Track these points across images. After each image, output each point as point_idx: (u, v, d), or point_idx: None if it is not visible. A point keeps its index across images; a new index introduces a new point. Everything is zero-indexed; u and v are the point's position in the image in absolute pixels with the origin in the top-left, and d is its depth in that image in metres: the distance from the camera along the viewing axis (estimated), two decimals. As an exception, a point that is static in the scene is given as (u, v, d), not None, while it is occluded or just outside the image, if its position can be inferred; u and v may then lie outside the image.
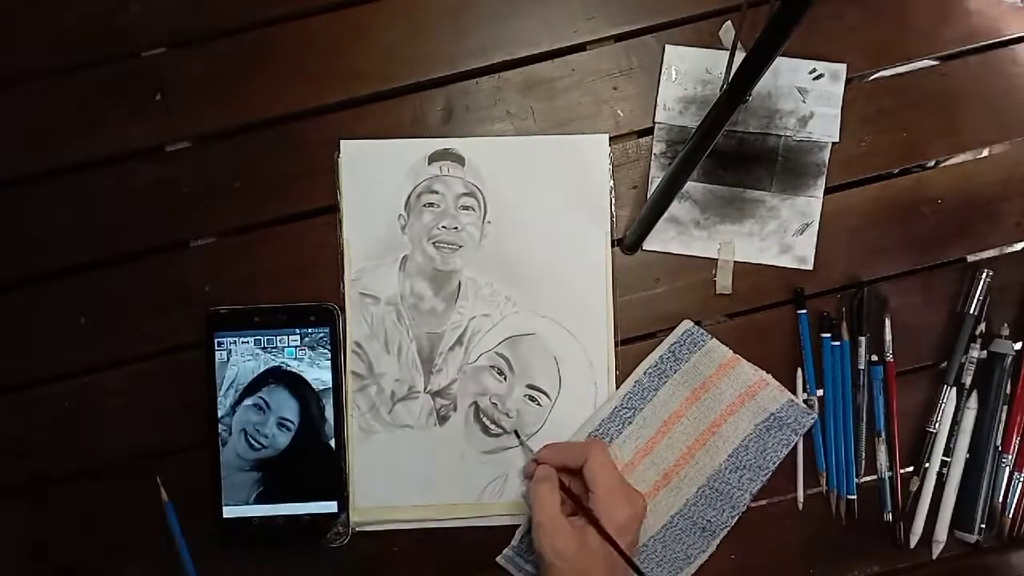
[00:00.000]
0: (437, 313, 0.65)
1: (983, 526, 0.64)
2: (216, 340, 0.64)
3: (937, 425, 0.65)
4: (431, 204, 0.66)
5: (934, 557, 0.65)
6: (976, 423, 0.65)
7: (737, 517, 0.64)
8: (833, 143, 0.66)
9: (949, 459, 0.65)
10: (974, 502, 0.64)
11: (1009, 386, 0.65)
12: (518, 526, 0.65)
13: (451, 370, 0.65)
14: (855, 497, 0.65)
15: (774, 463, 0.64)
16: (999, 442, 0.64)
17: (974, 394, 0.65)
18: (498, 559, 0.64)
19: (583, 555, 0.57)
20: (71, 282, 0.65)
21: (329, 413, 0.64)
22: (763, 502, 0.65)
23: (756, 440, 0.64)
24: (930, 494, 0.65)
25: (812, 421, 0.64)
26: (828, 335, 0.65)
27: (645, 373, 0.65)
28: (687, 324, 0.65)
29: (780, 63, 0.66)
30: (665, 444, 0.65)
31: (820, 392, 0.65)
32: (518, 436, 0.65)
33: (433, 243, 0.66)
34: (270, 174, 0.66)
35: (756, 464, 0.64)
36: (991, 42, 0.67)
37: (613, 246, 0.66)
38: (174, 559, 0.64)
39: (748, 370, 0.64)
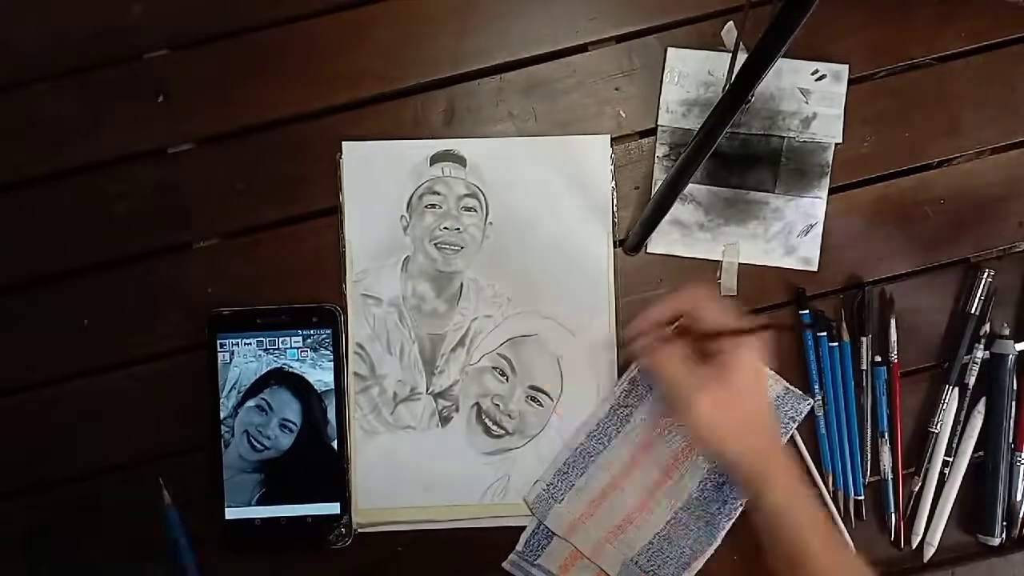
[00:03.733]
0: (439, 314, 0.65)
1: (1005, 524, 0.64)
2: (219, 341, 0.64)
3: (939, 426, 0.65)
4: (433, 205, 0.66)
5: (925, 560, 0.65)
6: (985, 424, 0.65)
7: (740, 508, 0.64)
8: (836, 144, 0.66)
9: (951, 459, 0.65)
10: (992, 504, 0.64)
11: (1016, 383, 0.65)
12: (521, 527, 0.64)
13: (453, 371, 0.65)
14: (863, 497, 0.65)
15: None
16: (1012, 439, 0.64)
17: (982, 400, 0.65)
18: (504, 564, 0.64)
19: (734, 410, 0.53)
20: (74, 284, 0.65)
21: (331, 414, 0.64)
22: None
23: None
24: (931, 495, 0.65)
25: (810, 407, 0.64)
26: (823, 334, 0.65)
27: (640, 371, 0.65)
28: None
29: (782, 64, 0.66)
30: (664, 441, 0.65)
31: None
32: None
33: (435, 244, 0.66)
34: (272, 175, 0.66)
35: None
36: (993, 42, 0.67)
37: (615, 247, 0.66)
38: (176, 561, 0.64)
39: None
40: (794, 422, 0.64)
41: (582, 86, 0.67)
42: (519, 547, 0.64)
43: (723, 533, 0.64)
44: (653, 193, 0.66)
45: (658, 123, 0.67)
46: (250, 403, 0.64)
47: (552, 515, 0.64)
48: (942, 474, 0.65)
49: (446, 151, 0.66)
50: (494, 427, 0.65)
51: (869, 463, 0.65)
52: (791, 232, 0.66)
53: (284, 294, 0.65)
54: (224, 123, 0.66)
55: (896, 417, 0.65)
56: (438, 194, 0.66)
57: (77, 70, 0.66)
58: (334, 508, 0.64)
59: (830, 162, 0.66)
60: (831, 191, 0.66)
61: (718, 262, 0.66)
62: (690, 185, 0.59)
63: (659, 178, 0.66)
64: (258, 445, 0.64)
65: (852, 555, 0.56)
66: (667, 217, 0.63)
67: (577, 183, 0.66)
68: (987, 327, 0.65)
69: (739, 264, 0.66)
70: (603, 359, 0.65)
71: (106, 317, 0.65)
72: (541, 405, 0.65)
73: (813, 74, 0.66)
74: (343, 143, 0.66)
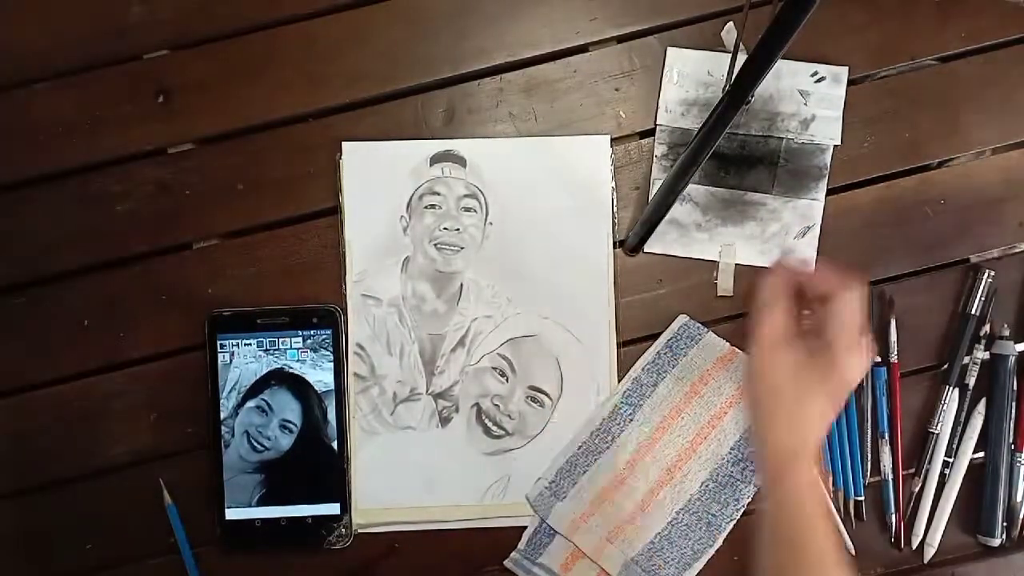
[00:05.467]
0: (439, 314, 0.65)
1: (1005, 524, 0.64)
2: (219, 342, 0.64)
3: (939, 426, 0.65)
4: (433, 205, 0.66)
5: (925, 561, 0.65)
6: (986, 425, 0.65)
7: (742, 510, 0.64)
8: (835, 145, 0.66)
9: (951, 459, 0.65)
10: (992, 505, 0.64)
11: (1016, 384, 0.65)
12: (521, 528, 0.65)
13: (453, 372, 0.65)
14: (863, 498, 0.65)
15: None
16: (1012, 440, 0.64)
17: (982, 401, 0.65)
18: (506, 563, 0.64)
19: (836, 389, 0.49)
20: (74, 284, 0.65)
21: (331, 415, 0.64)
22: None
23: None
24: (931, 496, 0.65)
25: None
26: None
27: (643, 370, 0.65)
28: (683, 319, 0.65)
29: (782, 66, 0.66)
30: (666, 440, 0.65)
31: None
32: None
33: (435, 244, 0.66)
34: (272, 176, 0.66)
35: None
36: (993, 42, 0.67)
37: (615, 247, 0.66)
38: (177, 561, 0.64)
39: None
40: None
41: (582, 86, 0.67)
42: (521, 545, 0.64)
43: (724, 534, 0.64)
44: (652, 193, 0.66)
45: (657, 122, 0.67)
46: (250, 404, 0.64)
47: (554, 513, 0.64)
48: (942, 475, 0.65)
49: (446, 151, 0.66)
50: (494, 427, 0.65)
51: (869, 464, 0.65)
52: (788, 234, 0.66)
53: (284, 295, 0.65)
54: (224, 123, 0.66)
55: (896, 418, 0.65)
56: (438, 194, 0.66)
57: (77, 70, 0.66)
58: (334, 508, 0.64)
59: (828, 164, 0.66)
60: (832, 191, 0.66)
61: (715, 263, 0.66)
62: (688, 185, 0.59)
63: (658, 177, 0.66)
64: (258, 446, 0.64)
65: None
66: (665, 217, 0.63)
67: (577, 184, 0.66)
68: (987, 328, 0.65)
69: (736, 265, 0.66)
70: (603, 359, 0.65)
71: (106, 317, 0.65)
72: (541, 405, 0.65)
73: (812, 76, 0.66)
74: (343, 143, 0.66)
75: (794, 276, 0.52)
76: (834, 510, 0.65)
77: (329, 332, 0.64)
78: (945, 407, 0.65)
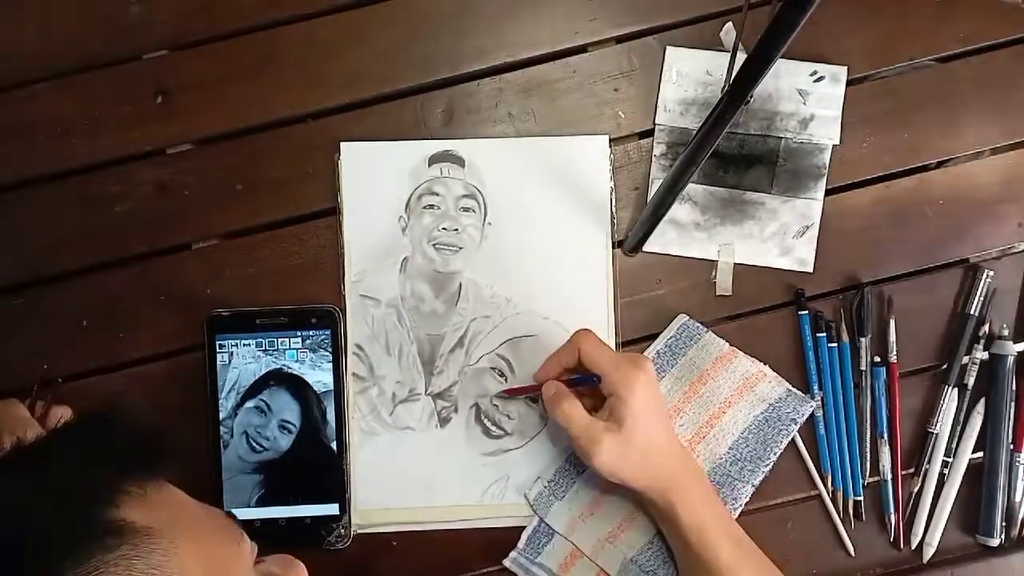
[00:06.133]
0: (438, 315, 0.65)
1: (1004, 524, 0.64)
2: (217, 343, 0.64)
3: (939, 426, 0.65)
4: (431, 206, 0.66)
5: (925, 561, 0.65)
6: (984, 425, 0.65)
7: (740, 510, 0.64)
8: (834, 145, 0.66)
9: (950, 459, 0.65)
10: (992, 505, 0.64)
11: (1015, 384, 0.65)
12: (520, 528, 0.64)
13: (452, 372, 0.65)
14: (862, 498, 0.65)
15: (775, 454, 0.64)
16: (1011, 440, 0.64)
17: (981, 401, 0.65)
18: (505, 562, 0.64)
19: (631, 450, 0.57)
20: (73, 285, 0.65)
21: (330, 415, 0.64)
22: (766, 504, 0.65)
23: (756, 431, 0.64)
24: (931, 496, 0.65)
25: (811, 408, 0.64)
26: (823, 335, 0.65)
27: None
28: (683, 318, 0.65)
29: (781, 65, 0.66)
30: None
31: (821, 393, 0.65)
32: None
33: (433, 245, 0.66)
34: (271, 176, 0.66)
35: (757, 456, 0.64)
36: (992, 43, 0.67)
37: (614, 247, 0.66)
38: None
39: (745, 362, 0.64)
40: (795, 424, 0.64)
41: (581, 87, 0.67)
42: (520, 545, 0.64)
43: (722, 534, 0.64)
44: (651, 193, 0.66)
45: (656, 122, 0.67)
46: (249, 404, 0.64)
47: (553, 513, 0.64)
48: (941, 475, 0.65)
49: (445, 151, 0.66)
50: (493, 428, 0.65)
51: (869, 464, 0.65)
52: (787, 233, 0.66)
53: (283, 295, 0.65)
54: (223, 123, 0.66)
55: (895, 418, 0.65)
56: (437, 195, 0.66)
57: (77, 70, 0.66)
58: (333, 509, 0.64)
59: (827, 164, 0.66)
60: (831, 191, 0.66)
61: (714, 262, 0.66)
62: (687, 185, 0.59)
63: (657, 177, 0.66)
64: (257, 446, 0.64)
65: (765, 565, 0.59)
66: (664, 216, 0.63)
67: (576, 184, 0.66)
68: (986, 328, 0.65)
69: (735, 264, 0.66)
70: (602, 360, 0.65)
71: (105, 317, 0.65)
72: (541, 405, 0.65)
73: (811, 75, 0.66)
74: (342, 144, 0.66)
75: (558, 370, 0.62)
76: (829, 502, 0.65)
77: (328, 332, 0.64)
78: (944, 407, 0.65)
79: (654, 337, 0.66)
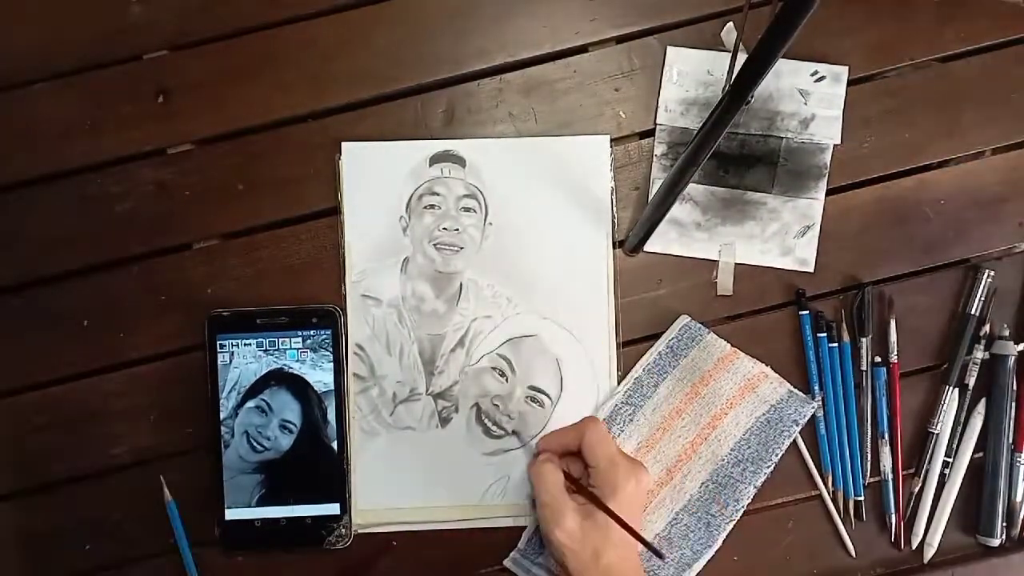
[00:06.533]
0: (438, 315, 0.65)
1: (1005, 524, 0.64)
2: (218, 342, 0.64)
3: (939, 426, 0.65)
4: (432, 206, 0.66)
5: (925, 561, 0.65)
6: (985, 425, 0.65)
7: (741, 511, 0.63)
8: (834, 145, 0.66)
9: (951, 459, 0.65)
10: (992, 505, 0.64)
11: (1016, 384, 0.65)
12: (522, 528, 0.65)
13: (453, 372, 0.65)
14: (863, 498, 0.65)
15: (777, 455, 0.64)
16: (1012, 440, 0.64)
17: (982, 401, 0.65)
18: (505, 562, 0.64)
19: (592, 534, 0.56)
20: (74, 284, 0.65)
21: (331, 415, 0.64)
22: (766, 504, 0.65)
23: (758, 432, 0.64)
24: (931, 496, 0.65)
25: (813, 410, 0.64)
26: (824, 335, 0.65)
27: (644, 370, 0.65)
28: (684, 319, 0.65)
29: (782, 65, 0.66)
30: (667, 441, 0.65)
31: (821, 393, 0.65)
32: (518, 437, 0.65)
33: (434, 245, 0.66)
34: (272, 176, 0.66)
35: (758, 456, 0.64)
36: (993, 42, 0.67)
37: (615, 248, 0.66)
38: (176, 561, 0.64)
39: (747, 363, 0.64)
40: (797, 425, 0.64)
41: (582, 87, 0.67)
42: (521, 545, 0.64)
43: (724, 535, 0.63)
44: (652, 193, 0.66)
45: (656, 122, 0.67)
46: (250, 404, 0.64)
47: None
48: (942, 475, 0.65)
49: (445, 151, 0.66)
50: (494, 428, 0.65)
51: (869, 464, 0.65)
52: (788, 233, 0.66)
53: (283, 295, 0.65)
54: (224, 123, 0.66)
55: (896, 418, 0.65)
56: (437, 195, 0.66)
57: (77, 70, 0.66)
58: (334, 509, 0.64)
59: (828, 164, 0.66)
60: (832, 191, 0.66)
61: (715, 262, 0.66)
62: (688, 185, 0.59)
63: (657, 177, 0.66)
64: (258, 446, 0.64)
65: None
66: (665, 216, 0.63)
67: (577, 184, 0.66)
68: (987, 328, 0.65)
69: (736, 264, 0.66)
70: (603, 359, 0.65)
71: (106, 317, 0.65)
72: (541, 405, 0.65)
73: (812, 75, 0.66)
74: (342, 144, 0.66)
75: (557, 449, 0.62)
76: (829, 502, 0.65)
77: (329, 332, 0.64)
78: (945, 407, 0.65)
79: (654, 337, 0.66)
